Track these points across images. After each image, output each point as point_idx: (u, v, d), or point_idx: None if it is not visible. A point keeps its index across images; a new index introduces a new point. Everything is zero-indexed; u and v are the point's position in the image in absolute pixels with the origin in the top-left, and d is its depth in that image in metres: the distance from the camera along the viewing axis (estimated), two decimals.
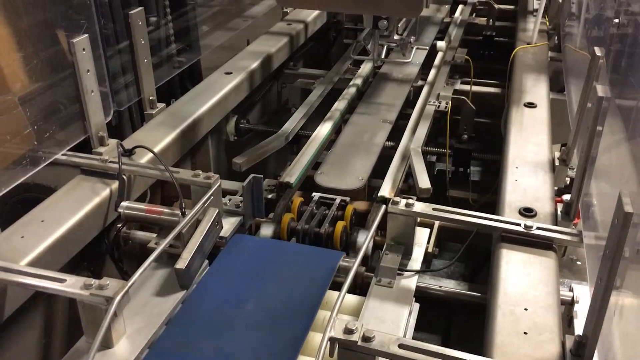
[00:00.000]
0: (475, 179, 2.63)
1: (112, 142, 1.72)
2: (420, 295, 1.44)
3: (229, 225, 1.56)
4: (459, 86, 2.53)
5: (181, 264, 1.31)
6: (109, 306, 1.12)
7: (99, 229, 1.51)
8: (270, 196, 1.83)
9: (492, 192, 2.06)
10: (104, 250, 1.60)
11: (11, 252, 1.29)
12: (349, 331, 1.04)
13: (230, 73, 2.26)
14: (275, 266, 1.47)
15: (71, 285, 1.16)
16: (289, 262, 1.49)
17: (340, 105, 2.32)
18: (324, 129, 2.14)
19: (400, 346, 1.03)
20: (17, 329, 1.32)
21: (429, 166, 2.38)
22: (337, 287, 1.40)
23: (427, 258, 1.59)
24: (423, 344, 1.04)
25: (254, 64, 2.36)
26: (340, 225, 1.64)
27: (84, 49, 1.59)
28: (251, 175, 1.60)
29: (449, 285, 1.49)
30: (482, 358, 1.00)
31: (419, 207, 1.42)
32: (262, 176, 1.61)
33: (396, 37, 2.30)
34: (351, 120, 2.26)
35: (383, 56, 2.31)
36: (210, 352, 1.20)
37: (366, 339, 1.03)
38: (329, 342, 1.04)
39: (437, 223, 1.71)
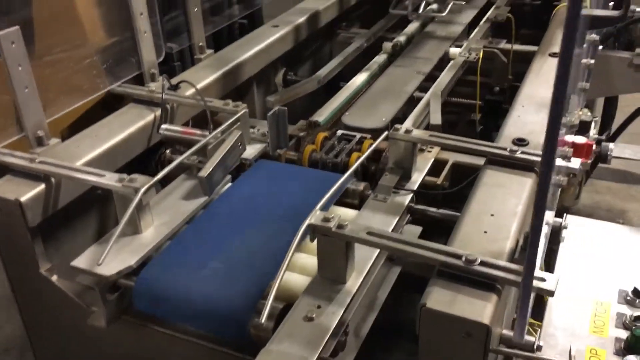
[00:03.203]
0: None
1: (161, 78, 1.97)
2: (418, 217, 1.59)
3: (253, 150, 1.77)
4: (502, 45, 2.58)
5: (203, 172, 1.53)
6: (136, 195, 1.35)
7: (144, 146, 1.75)
8: (301, 134, 2.02)
9: None
10: (151, 170, 1.85)
11: (68, 157, 1.55)
12: (326, 220, 1.21)
13: (276, 26, 2.46)
14: (292, 186, 1.66)
15: (108, 179, 1.40)
16: (305, 183, 1.68)
17: (380, 58, 2.47)
18: (359, 78, 2.30)
19: (369, 233, 1.19)
20: (75, 222, 1.60)
21: (461, 119, 2.48)
22: (345, 205, 1.59)
23: (437, 189, 1.72)
24: (391, 233, 1.20)
25: (301, 19, 2.54)
26: (355, 155, 1.80)
27: None
28: (276, 107, 1.79)
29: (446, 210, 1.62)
30: (442, 246, 1.14)
31: (418, 133, 1.56)
32: (286, 108, 1.80)
33: None
34: (387, 72, 2.40)
35: (421, 11, 2.43)
36: (219, 247, 1.41)
37: (340, 226, 1.20)
38: (308, 228, 1.21)
39: (451, 160, 1.83)
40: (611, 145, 1.83)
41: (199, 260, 1.37)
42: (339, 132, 1.96)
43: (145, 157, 1.81)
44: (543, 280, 1.04)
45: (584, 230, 1.56)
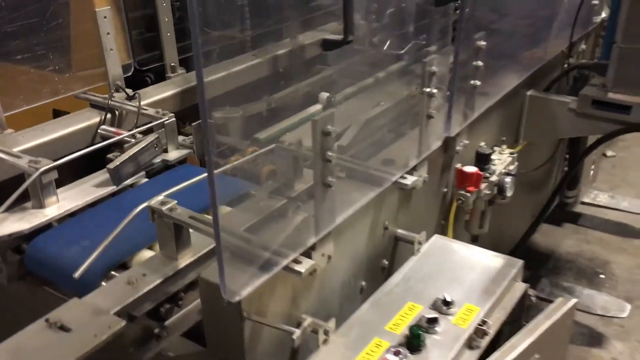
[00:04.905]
0: None
1: (128, 90, 2.27)
2: None
3: (178, 154, 2.01)
4: None
5: (112, 164, 1.78)
6: (36, 173, 1.62)
7: (87, 142, 2.04)
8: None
9: None
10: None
11: (12, 144, 1.86)
12: (163, 204, 1.42)
13: (254, 55, 2.71)
14: (193, 187, 1.85)
15: (22, 161, 1.69)
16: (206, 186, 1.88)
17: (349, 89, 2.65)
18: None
19: (191, 217, 1.38)
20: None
21: None
22: None
23: None
24: (208, 217, 1.38)
25: (281, 51, 2.78)
26: (268, 167, 1.99)
27: (105, 17, 2.16)
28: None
29: None
30: None
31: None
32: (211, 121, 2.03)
33: None
34: (350, 101, 2.57)
35: None
36: (99, 228, 1.61)
37: (171, 209, 1.40)
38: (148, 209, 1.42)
39: None
40: (507, 179, 1.89)
41: (79, 236, 1.60)
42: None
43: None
44: (299, 262, 1.19)
45: (445, 249, 1.64)
